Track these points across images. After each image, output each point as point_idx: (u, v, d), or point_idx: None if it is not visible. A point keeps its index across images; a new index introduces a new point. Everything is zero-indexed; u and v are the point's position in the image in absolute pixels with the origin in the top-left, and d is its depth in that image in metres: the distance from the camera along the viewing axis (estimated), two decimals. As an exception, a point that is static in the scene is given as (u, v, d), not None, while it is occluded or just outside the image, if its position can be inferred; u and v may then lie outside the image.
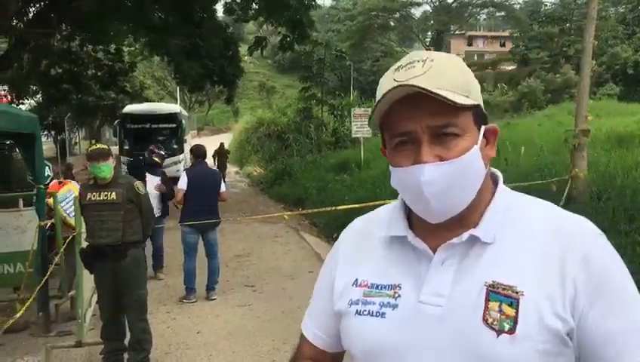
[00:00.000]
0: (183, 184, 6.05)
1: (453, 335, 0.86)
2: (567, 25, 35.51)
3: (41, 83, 18.42)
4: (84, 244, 4.20)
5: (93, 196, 3.97)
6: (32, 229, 5.03)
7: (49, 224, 5.16)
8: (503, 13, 51.31)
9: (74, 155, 24.63)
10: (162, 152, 7.59)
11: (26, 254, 4.97)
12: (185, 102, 42.91)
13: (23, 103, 20.28)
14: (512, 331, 0.82)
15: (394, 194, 0.99)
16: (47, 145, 18.14)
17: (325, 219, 9.49)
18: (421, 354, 0.88)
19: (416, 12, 52.42)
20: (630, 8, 37.56)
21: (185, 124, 19.97)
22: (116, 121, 19.36)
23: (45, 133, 24.46)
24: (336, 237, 1.13)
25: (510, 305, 0.84)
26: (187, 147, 15.65)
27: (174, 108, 20.26)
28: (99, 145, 4.29)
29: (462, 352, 0.85)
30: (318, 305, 1.10)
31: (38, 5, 13.74)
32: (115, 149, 11.33)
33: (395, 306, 0.92)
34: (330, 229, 8.95)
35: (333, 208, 7.33)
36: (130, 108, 18.84)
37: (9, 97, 17.33)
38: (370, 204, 5.61)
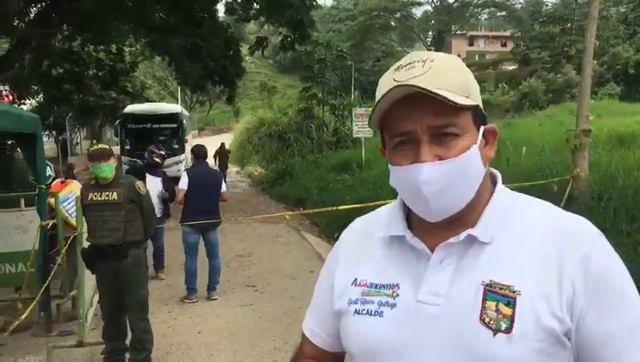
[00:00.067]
0: (183, 184, 6.06)
1: (451, 334, 0.86)
2: (569, 25, 35.46)
3: (43, 83, 18.40)
4: (86, 244, 4.21)
5: (95, 196, 3.98)
6: (33, 229, 5.03)
7: (50, 224, 5.17)
8: (504, 13, 51.23)
9: (75, 155, 24.62)
10: (162, 152, 7.59)
11: (27, 254, 4.98)
12: (186, 102, 42.96)
13: (24, 103, 20.28)
14: (508, 330, 0.83)
15: (395, 194, 0.99)
16: (48, 145, 18.09)
17: (326, 219, 9.48)
18: (419, 353, 0.88)
19: (417, 12, 52.53)
20: (631, 8, 37.57)
21: (186, 124, 19.96)
22: (117, 121, 19.36)
23: (47, 133, 24.51)
24: (337, 237, 1.14)
25: (507, 304, 0.84)
26: (188, 147, 15.64)
27: (175, 108, 20.28)
28: (100, 146, 4.30)
29: (459, 351, 0.85)
30: (318, 305, 1.10)
31: (39, 5, 13.76)
32: (116, 149, 11.33)
33: (393, 305, 0.92)
34: (332, 229, 8.95)
35: (335, 208, 7.31)
36: (132, 108, 18.87)
37: (10, 97, 17.42)
38: (372, 204, 5.61)
